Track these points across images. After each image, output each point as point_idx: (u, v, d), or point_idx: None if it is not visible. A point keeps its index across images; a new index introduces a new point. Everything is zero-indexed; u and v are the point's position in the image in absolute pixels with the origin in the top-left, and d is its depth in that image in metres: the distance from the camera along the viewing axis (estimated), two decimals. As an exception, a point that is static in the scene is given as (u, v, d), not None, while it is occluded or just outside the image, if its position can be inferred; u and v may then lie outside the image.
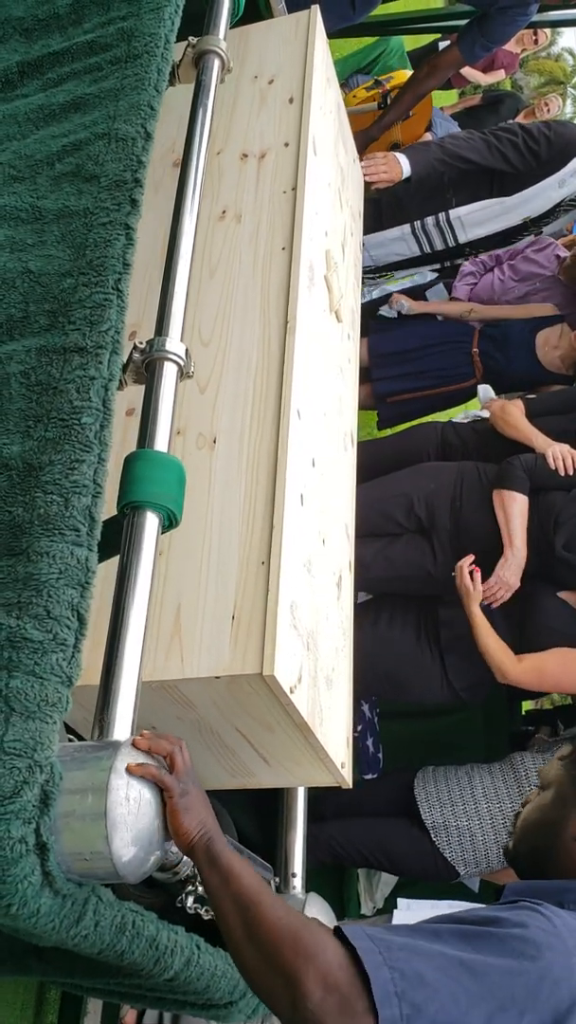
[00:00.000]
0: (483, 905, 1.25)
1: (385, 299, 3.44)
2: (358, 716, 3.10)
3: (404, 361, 3.32)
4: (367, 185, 3.09)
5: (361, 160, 3.02)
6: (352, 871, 2.81)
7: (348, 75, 4.02)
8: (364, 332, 3.44)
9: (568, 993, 0.95)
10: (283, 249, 1.91)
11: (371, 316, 3.56)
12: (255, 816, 2.17)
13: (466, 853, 2.35)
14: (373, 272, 3.50)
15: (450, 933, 0.99)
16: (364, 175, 3.21)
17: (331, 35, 3.31)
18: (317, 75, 2.19)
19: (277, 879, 1.91)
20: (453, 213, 3.21)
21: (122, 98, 1.69)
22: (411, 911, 2.12)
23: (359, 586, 2.94)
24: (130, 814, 1.06)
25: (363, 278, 3.43)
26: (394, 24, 3.84)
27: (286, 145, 2.07)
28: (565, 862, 1.23)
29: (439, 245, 3.30)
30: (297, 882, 1.93)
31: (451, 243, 3.28)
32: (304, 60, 2.18)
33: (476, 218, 3.23)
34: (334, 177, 2.35)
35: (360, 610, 2.83)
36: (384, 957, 0.92)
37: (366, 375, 3.43)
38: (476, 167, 3.19)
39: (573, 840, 1.23)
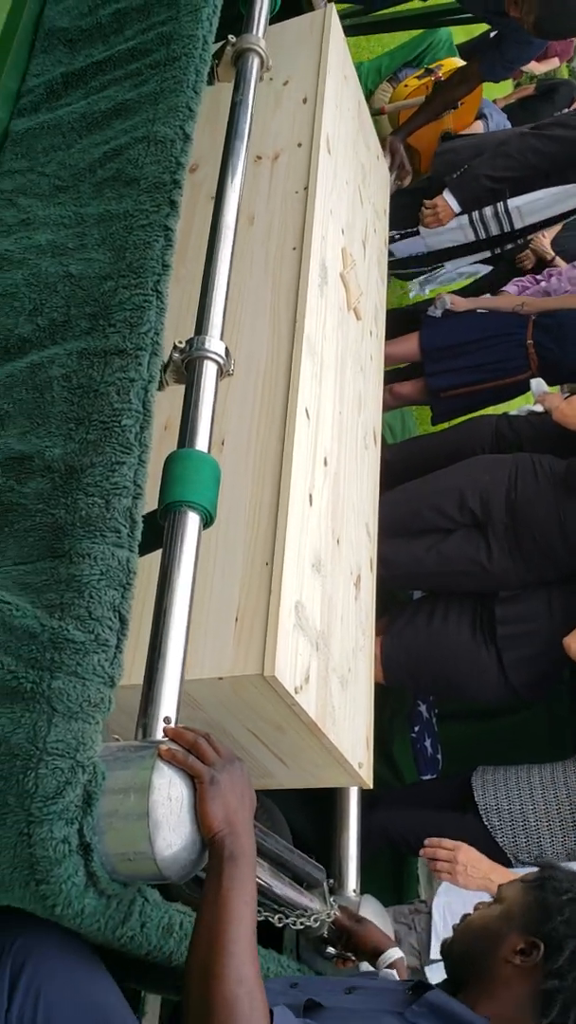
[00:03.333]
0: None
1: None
2: (415, 716, 3.07)
3: (458, 355, 3.27)
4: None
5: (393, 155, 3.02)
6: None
7: (397, 68, 3.98)
8: (415, 327, 3.41)
9: None
10: (294, 249, 1.89)
11: (420, 312, 3.53)
12: (309, 816, 2.16)
13: (518, 839, 2.30)
14: (424, 263, 3.46)
15: None
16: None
17: (372, 30, 3.30)
18: (332, 73, 2.17)
19: (331, 880, 1.89)
20: (511, 203, 3.16)
21: (161, 101, 1.70)
22: (453, 892, 2.07)
23: (412, 583, 2.92)
24: (172, 813, 1.06)
25: (415, 268, 3.41)
26: (437, 15, 3.79)
27: (299, 145, 2.05)
28: (489, 975, 1.24)
29: (495, 231, 3.25)
30: (351, 883, 1.91)
31: (507, 229, 3.22)
32: (318, 59, 2.16)
33: (534, 207, 3.17)
34: (353, 175, 2.33)
35: (414, 608, 2.80)
36: None
37: (419, 370, 3.40)
38: (528, 178, 3.15)
39: (504, 961, 1.24)
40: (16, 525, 1.32)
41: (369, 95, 3.85)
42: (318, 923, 1.59)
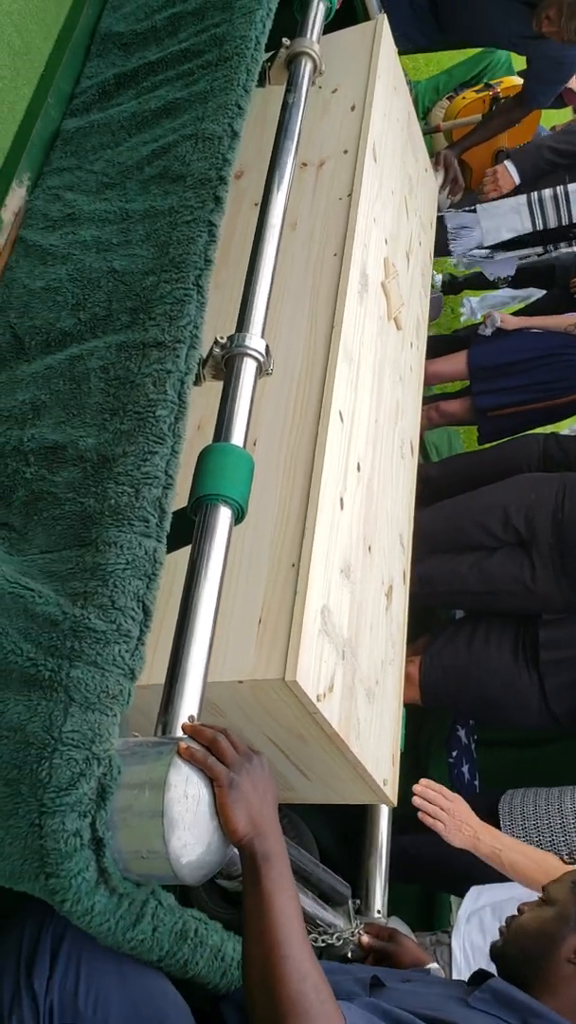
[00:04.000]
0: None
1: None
2: (454, 741, 2.98)
3: (507, 374, 3.21)
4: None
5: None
6: None
7: (454, 87, 3.97)
8: (464, 345, 3.37)
9: None
10: (335, 255, 1.87)
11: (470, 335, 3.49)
12: (336, 833, 2.10)
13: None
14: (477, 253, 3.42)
15: None
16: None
17: (424, 48, 3.29)
18: (381, 81, 2.16)
19: (357, 900, 1.83)
20: (572, 187, 3.11)
21: (211, 99, 1.69)
22: (482, 898, 1.99)
23: (454, 601, 2.86)
24: (188, 811, 1.02)
25: (465, 256, 3.36)
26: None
27: (345, 152, 2.03)
28: (550, 978, 1.26)
29: (552, 221, 3.18)
30: (377, 904, 1.84)
31: (565, 219, 3.16)
32: (368, 67, 2.15)
33: None
34: (399, 184, 2.30)
35: (455, 628, 2.74)
36: None
37: (466, 389, 3.36)
38: None
39: (567, 962, 1.26)
40: (45, 513, 1.31)
41: (426, 113, 3.84)
42: (341, 942, 1.53)
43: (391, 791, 1.79)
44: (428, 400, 3.44)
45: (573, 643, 2.51)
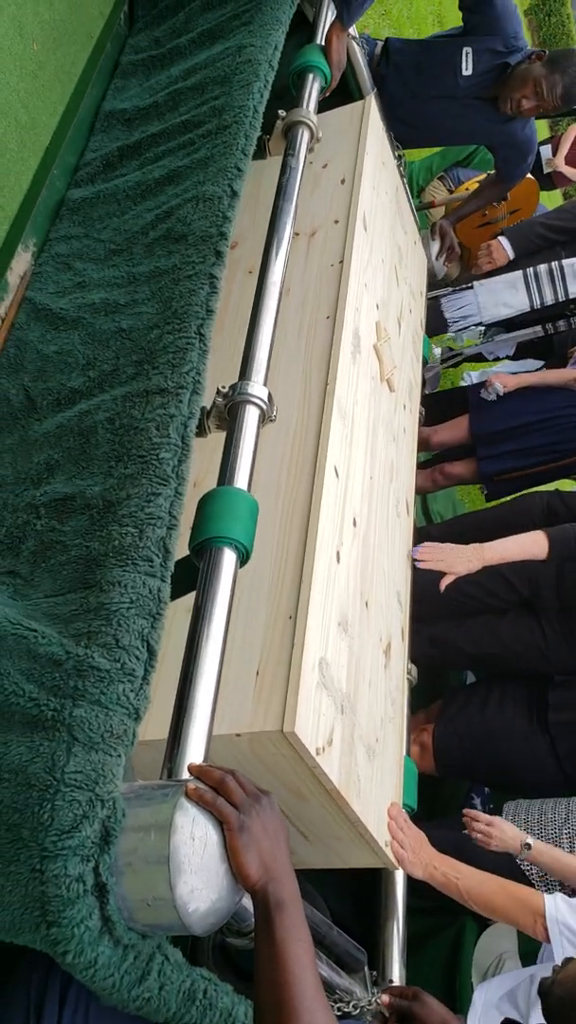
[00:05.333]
0: None
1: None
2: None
3: (510, 438, 3.23)
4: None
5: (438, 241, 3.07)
6: (469, 932, 2.55)
7: (448, 167, 4.11)
8: (463, 401, 3.40)
9: None
10: (328, 318, 1.90)
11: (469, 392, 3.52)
12: (352, 904, 2.02)
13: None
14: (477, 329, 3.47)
15: None
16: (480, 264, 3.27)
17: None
18: (370, 155, 2.23)
19: (375, 972, 1.75)
20: (566, 261, 3.18)
21: (211, 164, 1.75)
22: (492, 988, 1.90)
23: (468, 664, 2.81)
24: (195, 854, 0.98)
25: (465, 331, 3.41)
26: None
27: (336, 222, 2.09)
28: None
29: (549, 297, 3.24)
30: (395, 974, 1.76)
31: (561, 295, 3.22)
32: (357, 143, 2.23)
33: None
34: (389, 254, 2.36)
35: (467, 693, 2.68)
36: None
37: (470, 451, 3.36)
38: None
39: None
40: (52, 560, 1.31)
41: (420, 191, 3.96)
42: (358, 1011, 1.45)
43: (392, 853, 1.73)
44: (433, 461, 3.46)
45: None
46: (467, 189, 3.98)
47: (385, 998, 1.48)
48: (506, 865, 2.14)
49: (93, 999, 1.03)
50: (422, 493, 3.46)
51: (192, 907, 0.98)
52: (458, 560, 2.35)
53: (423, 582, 2.44)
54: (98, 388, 1.56)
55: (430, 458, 3.58)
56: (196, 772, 1.05)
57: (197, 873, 0.98)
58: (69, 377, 1.63)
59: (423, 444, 3.26)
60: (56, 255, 1.88)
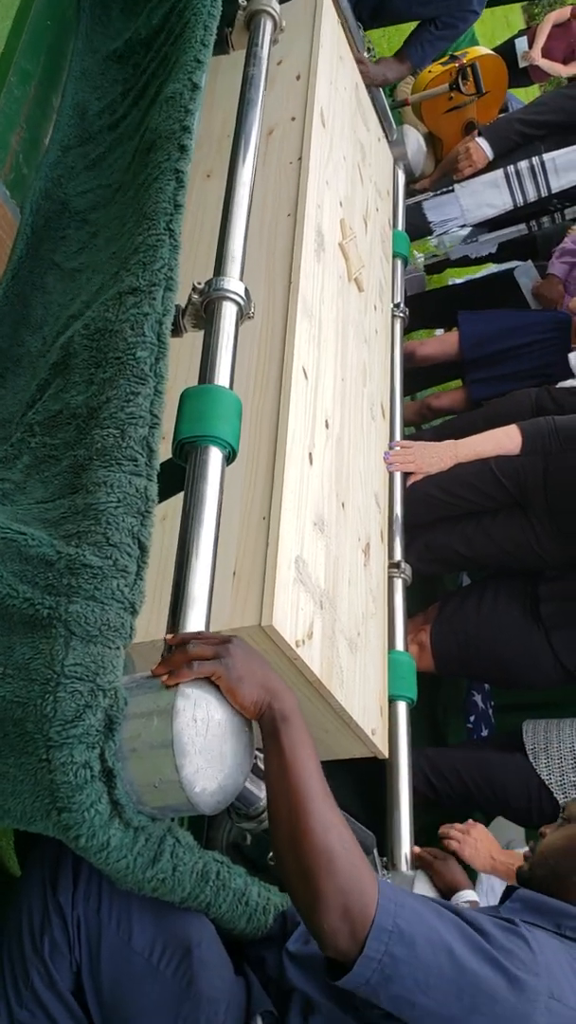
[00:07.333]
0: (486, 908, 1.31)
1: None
2: (471, 707, 2.96)
3: (499, 362, 3.21)
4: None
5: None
6: None
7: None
8: (452, 322, 3.36)
9: None
10: (288, 215, 1.87)
11: (466, 300, 3.48)
12: (359, 803, 2.07)
13: (566, 777, 2.19)
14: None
15: (452, 922, 1.04)
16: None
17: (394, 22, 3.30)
18: (325, 50, 2.16)
19: (384, 858, 1.80)
20: (547, 156, 3.11)
21: (174, 64, 1.69)
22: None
23: (463, 565, 2.83)
24: (199, 735, 1.00)
25: (448, 235, 3.36)
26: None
27: (293, 119, 2.03)
28: None
29: (532, 193, 3.18)
30: (404, 861, 1.81)
31: (544, 191, 3.16)
32: (311, 38, 2.15)
33: (570, 161, 3.08)
34: (351, 151, 2.31)
35: (463, 594, 2.71)
36: (396, 911, 1.00)
37: (458, 371, 3.34)
38: (562, 124, 3.11)
39: None
40: (45, 472, 1.31)
41: (392, 88, 3.84)
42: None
43: (380, 742, 1.79)
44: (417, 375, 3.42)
45: (572, 594, 2.50)
46: (429, 72, 3.87)
47: (417, 848, 1.55)
48: (531, 783, 2.21)
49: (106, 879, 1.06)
50: (412, 425, 3.45)
51: (199, 786, 1.00)
52: (429, 459, 2.37)
53: (413, 490, 2.45)
54: (85, 308, 1.55)
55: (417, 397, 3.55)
56: (170, 641, 1.09)
57: (201, 753, 1.00)
58: (70, 310, 1.64)
59: (408, 358, 3.23)
60: (75, 212, 1.88)
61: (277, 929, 1.27)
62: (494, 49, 4.37)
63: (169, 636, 1.10)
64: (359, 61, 2.57)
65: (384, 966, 0.97)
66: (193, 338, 1.45)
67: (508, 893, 1.28)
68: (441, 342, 3.36)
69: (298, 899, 1.00)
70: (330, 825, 0.99)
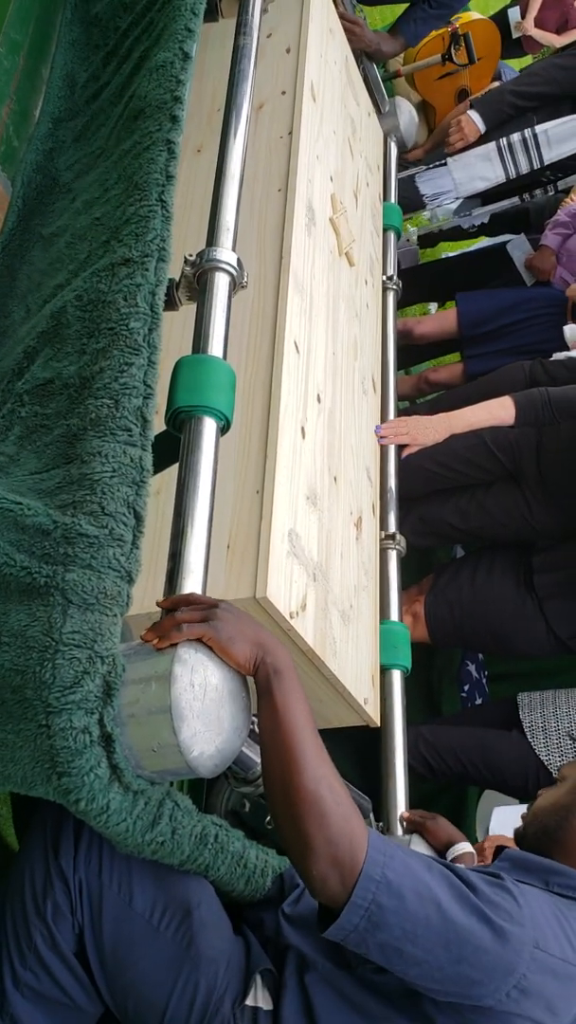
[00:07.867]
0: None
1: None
2: (464, 676, 2.99)
3: (496, 338, 3.21)
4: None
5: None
6: (471, 796, 2.67)
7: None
8: (446, 297, 3.35)
9: (494, 987, 1.02)
10: (279, 190, 1.86)
11: (459, 274, 3.47)
12: (360, 766, 2.10)
13: (565, 755, 2.22)
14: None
15: (441, 874, 1.06)
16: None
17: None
18: (315, 23, 2.14)
19: (381, 823, 1.83)
20: (539, 128, 3.10)
21: (163, 33, 1.68)
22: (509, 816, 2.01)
23: (457, 537, 2.85)
24: (196, 700, 1.02)
25: (440, 208, 3.35)
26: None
27: (283, 93, 2.01)
28: (567, 844, 1.29)
29: (524, 166, 3.16)
30: (399, 826, 1.84)
31: (536, 163, 3.14)
32: (301, 10, 2.13)
33: (562, 132, 3.07)
34: (341, 126, 2.29)
35: (457, 565, 2.73)
36: (384, 862, 1.02)
37: (455, 346, 3.34)
38: (554, 95, 3.09)
39: None
40: (38, 442, 1.31)
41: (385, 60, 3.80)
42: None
43: (373, 711, 1.82)
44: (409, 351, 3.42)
45: (564, 565, 2.51)
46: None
47: (406, 813, 1.58)
48: (528, 762, 2.25)
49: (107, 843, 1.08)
50: (408, 400, 3.45)
51: (197, 750, 1.02)
52: (423, 431, 2.39)
53: (407, 463, 2.46)
54: (74, 276, 1.54)
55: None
56: (160, 605, 1.11)
57: (199, 717, 1.02)
58: (55, 278, 1.63)
59: (405, 335, 3.23)
60: (63, 185, 1.87)
61: (275, 891, 1.29)
62: (496, 16, 4.33)
63: (161, 600, 1.12)
64: (353, 23, 2.55)
65: (371, 914, 0.99)
66: (185, 312, 1.46)
67: (498, 853, 1.31)
68: (439, 321, 3.35)
69: (290, 847, 1.02)
70: (321, 777, 1.01)
